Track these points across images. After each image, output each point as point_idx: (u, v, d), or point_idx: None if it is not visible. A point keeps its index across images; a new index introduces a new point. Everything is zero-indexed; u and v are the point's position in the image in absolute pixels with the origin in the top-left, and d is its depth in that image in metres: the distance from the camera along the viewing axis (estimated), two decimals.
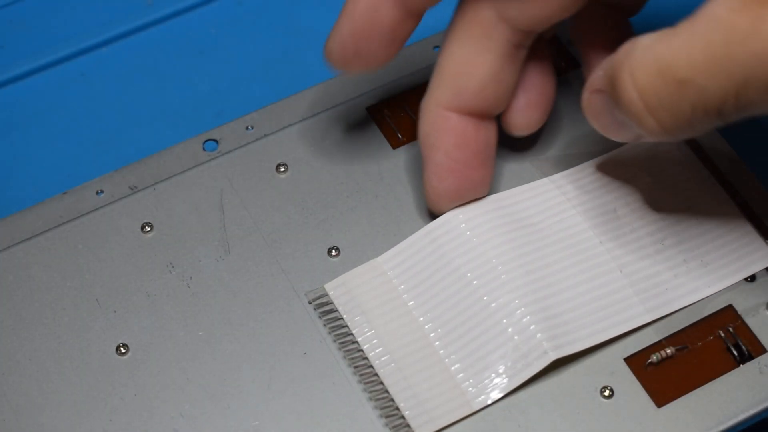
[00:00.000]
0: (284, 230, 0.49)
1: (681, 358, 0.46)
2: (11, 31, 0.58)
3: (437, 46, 0.54)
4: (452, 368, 0.45)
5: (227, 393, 0.46)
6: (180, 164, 0.51)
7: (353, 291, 0.47)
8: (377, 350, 0.45)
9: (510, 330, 0.45)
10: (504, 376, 0.45)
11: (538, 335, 0.44)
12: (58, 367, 0.46)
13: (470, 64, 0.45)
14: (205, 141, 0.52)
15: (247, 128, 0.52)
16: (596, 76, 0.43)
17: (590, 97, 0.43)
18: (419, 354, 0.45)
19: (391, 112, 0.52)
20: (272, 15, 0.59)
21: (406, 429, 0.44)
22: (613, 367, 0.46)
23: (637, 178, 0.49)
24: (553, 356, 0.44)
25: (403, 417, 0.44)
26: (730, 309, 0.47)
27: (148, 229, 0.49)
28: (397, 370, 0.45)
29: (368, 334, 0.46)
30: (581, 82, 0.52)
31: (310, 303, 0.47)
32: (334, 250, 0.49)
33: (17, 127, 0.56)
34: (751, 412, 0.45)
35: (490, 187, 0.48)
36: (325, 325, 0.46)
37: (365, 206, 0.50)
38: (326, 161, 0.51)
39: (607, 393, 0.45)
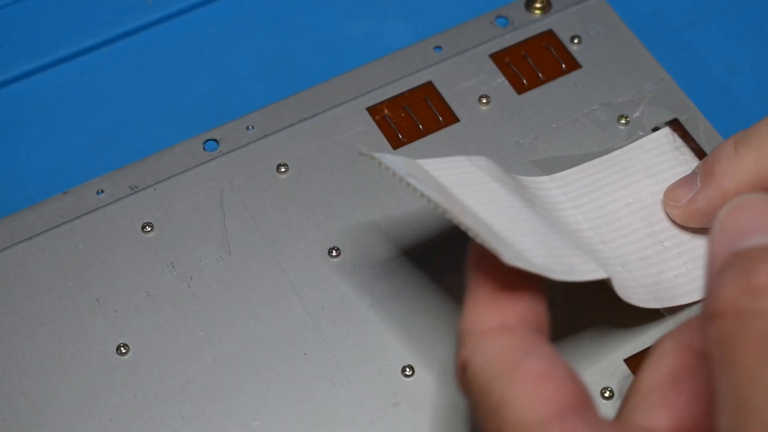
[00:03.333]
0: (285, 230, 0.49)
1: None
2: (11, 31, 0.58)
3: (437, 46, 0.54)
4: (515, 245, 0.40)
5: (227, 393, 0.46)
6: (180, 164, 0.51)
7: (398, 164, 0.42)
8: (440, 199, 0.40)
9: (560, 242, 0.42)
10: (562, 267, 0.41)
11: (586, 255, 0.43)
12: (58, 367, 0.46)
13: None
14: (206, 141, 0.52)
15: (248, 128, 0.52)
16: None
17: None
18: (480, 217, 0.41)
19: (391, 113, 0.52)
20: (272, 15, 0.59)
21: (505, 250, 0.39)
22: (613, 368, 0.46)
23: (638, 180, 0.49)
24: (603, 274, 0.42)
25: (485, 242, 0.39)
26: None
27: (149, 229, 0.49)
28: (472, 215, 0.41)
29: (429, 190, 0.41)
30: (581, 83, 0.53)
31: (361, 155, 0.45)
32: (334, 251, 0.49)
33: (17, 127, 0.56)
34: None
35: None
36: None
37: (365, 207, 0.50)
38: (326, 161, 0.51)
39: (607, 394, 0.45)
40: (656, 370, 0.38)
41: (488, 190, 0.43)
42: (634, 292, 0.46)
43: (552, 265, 0.41)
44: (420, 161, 0.43)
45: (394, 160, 0.42)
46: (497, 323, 0.39)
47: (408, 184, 0.40)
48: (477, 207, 0.42)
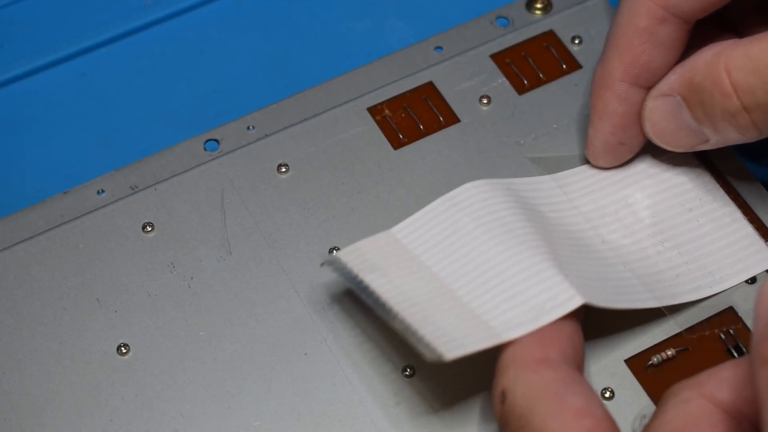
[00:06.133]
0: (285, 230, 0.49)
1: (681, 359, 0.46)
2: (11, 31, 0.58)
3: (438, 47, 0.54)
4: (477, 310, 0.44)
5: (228, 393, 0.46)
6: (181, 164, 0.51)
7: (367, 255, 0.46)
8: (397, 298, 0.44)
9: (534, 278, 0.44)
10: (531, 314, 0.43)
11: (565, 283, 0.43)
12: (58, 366, 0.46)
13: None
14: (206, 141, 0.52)
15: (249, 128, 0.52)
16: (666, 81, 0.45)
17: (655, 102, 0.45)
18: (440, 299, 0.44)
19: (392, 113, 0.52)
20: (272, 15, 0.59)
21: (434, 354, 0.42)
22: (613, 368, 0.46)
23: (638, 180, 0.49)
24: (580, 300, 0.43)
25: (428, 344, 0.42)
26: (730, 311, 0.47)
27: (149, 229, 0.49)
28: (418, 311, 0.44)
29: (386, 287, 0.44)
30: (582, 83, 0.53)
31: (321, 266, 0.47)
32: (334, 251, 0.49)
33: (17, 127, 0.56)
34: None
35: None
36: (346, 280, 0.45)
37: (366, 207, 0.50)
38: (327, 161, 0.51)
39: (607, 395, 0.45)
40: (673, 419, 0.39)
41: (464, 240, 0.45)
42: (632, 291, 0.46)
43: (520, 315, 0.43)
44: (395, 228, 0.46)
45: (363, 250, 0.45)
46: (540, 356, 0.41)
47: (366, 288, 0.44)
48: (445, 270, 0.45)
